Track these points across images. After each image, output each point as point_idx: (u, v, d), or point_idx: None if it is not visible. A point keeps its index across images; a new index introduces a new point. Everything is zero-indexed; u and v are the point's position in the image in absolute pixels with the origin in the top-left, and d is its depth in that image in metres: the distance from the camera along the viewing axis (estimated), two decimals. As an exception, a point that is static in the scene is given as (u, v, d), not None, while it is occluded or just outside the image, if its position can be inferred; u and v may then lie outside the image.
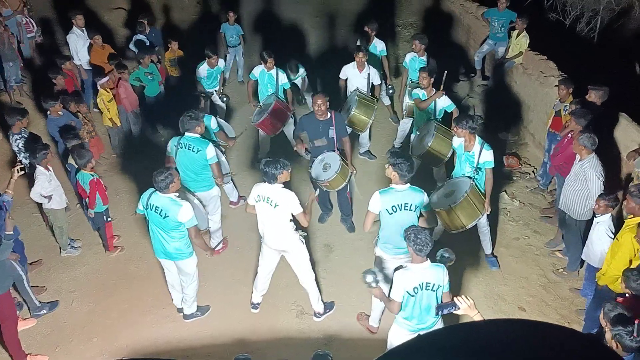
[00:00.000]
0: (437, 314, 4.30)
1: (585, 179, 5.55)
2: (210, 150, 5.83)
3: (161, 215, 5.04)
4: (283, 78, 7.64)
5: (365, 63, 7.64)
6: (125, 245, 6.70)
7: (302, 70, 8.41)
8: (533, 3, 9.96)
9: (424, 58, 7.97)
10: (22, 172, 5.68)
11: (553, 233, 6.57)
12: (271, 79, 7.58)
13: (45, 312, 5.79)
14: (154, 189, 5.09)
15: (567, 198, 5.79)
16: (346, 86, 7.80)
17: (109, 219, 6.54)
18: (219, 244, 6.45)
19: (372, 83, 7.80)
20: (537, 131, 8.01)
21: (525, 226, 6.87)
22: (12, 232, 4.97)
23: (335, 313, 5.72)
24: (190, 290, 5.55)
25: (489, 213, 5.90)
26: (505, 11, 8.98)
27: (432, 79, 6.82)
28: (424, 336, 1.00)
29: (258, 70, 7.64)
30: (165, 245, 5.21)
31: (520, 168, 7.83)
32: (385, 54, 8.58)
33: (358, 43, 8.20)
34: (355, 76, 7.66)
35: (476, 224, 5.77)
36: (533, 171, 7.74)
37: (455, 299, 3.87)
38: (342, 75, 7.81)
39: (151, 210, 5.10)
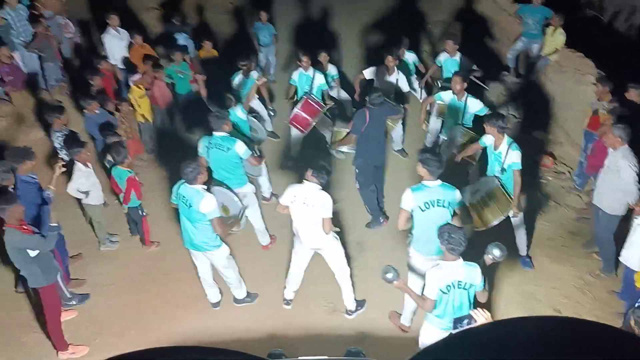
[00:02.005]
0: (454, 327, 4.29)
1: (618, 169, 5.44)
2: (240, 147, 5.93)
3: (187, 205, 5.19)
4: (320, 79, 7.69)
5: (395, 68, 7.65)
6: (161, 241, 6.85)
7: (334, 71, 8.45)
8: (569, -1, 9.80)
9: (457, 58, 7.93)
10: (64, 169, 5.87)
11: (590, 234, 6.46)
12: (308, 80, 7.64)
13: (74, 303, 5.94)
14: (183, 180, 5.21)
15: (600, 192, 5.70)
16: (366, 83, 7.81)
17: (144, 214, 6.71)
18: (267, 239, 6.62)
19: (399, 88, 7.82)
20: (572, 130, 7.87)
21: (560, 227, 6.77)
22: (56, 224, 5.14)
23: (367, 311, 5.75)
24: (230, 275, 5.67)
25: (516, 214, 5.82)
26: (540, 7, 8.83)
27: (466, 84, 6.80)
28: (462, 332, 1.00)
29: (296, 74, 7.71)
30: (192, 237, 5.34)
31: (555, 167, 7.72)
32: (418, 62, 8.61)
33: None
34: (383, 79, 7.68)
35: (512, 224, 5.75)
36: (569, 171, 7.62)
37: (472, 312, 3.88)
38: (367, 74, 7.81)
39: (180, 200, 5.25)
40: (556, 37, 8.44)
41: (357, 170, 6.67)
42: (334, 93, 8.47)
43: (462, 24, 11.15)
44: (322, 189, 5.22)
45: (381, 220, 6.87)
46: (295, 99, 7.84)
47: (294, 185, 5.35)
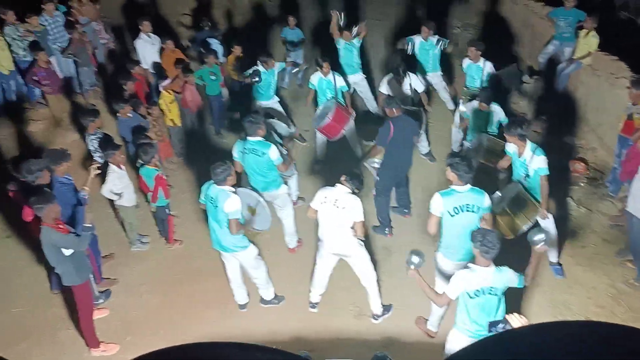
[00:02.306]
0: (489, 331, 4.24)
1: None
2: (274, 152, 5.99)
3: (214, 206, 5.27)
4: (340, 81, 7.74)
5: (407, 73, 7.67)
6: (191, 242, 6.96)
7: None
8: (603, 1, 9.59)
9: (480, 64, 7.87)
10: (99, 171, 6.02)
11: (623, 242, 6.31)
12: (329, 84, 7.68)
13: (102, 301, 6.08)
14: (212, 181, 5.29)
15: (635, 198, 5.57)
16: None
17: (170, 213, 6.83)
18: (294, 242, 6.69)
19: (415, 90, 7.81)
20: (606, 135, 7.71)
21: (593, 234, 6.63)
22: (90, 225, 5.28)
23: (394, 316, 5.74)
24: (259, 275, 5.74)
25: (545, 218, 5.72)
26: (573, 10, 8.69)
27: (491, 102, 6.88)
28: (499, 335, 0.99)
29: (315, 78, 7.76)
30: (220, 238, 5.42)
31: (587, 173, 7.57)
32: (446, 45, 8.64)
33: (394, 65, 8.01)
34: (396, 91, 7.72)
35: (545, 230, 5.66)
36: (601, 177, 7.47)
37: (507, 316, 3.82)
38: (383, 89, 7.81)
39: (208, 201, 5.33)
40: (589, 40, 8.28)
41: (377, 178, 6.66)
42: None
43: (492, 27, 11.04)
44: (353, 193, 5.23)
45: (386, 232, 6.83)
46: (315, 103, 7.89)
47: (325, 187, 5.38)
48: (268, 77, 8.06)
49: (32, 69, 8.00)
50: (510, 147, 5.84)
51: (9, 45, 8.37)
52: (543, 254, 4.42)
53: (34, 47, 8.10)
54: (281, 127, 7.40)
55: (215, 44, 9.50)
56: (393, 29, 11.42)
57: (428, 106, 7.74)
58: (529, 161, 5.60)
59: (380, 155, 6.58)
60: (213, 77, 8.61)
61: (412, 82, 7.71)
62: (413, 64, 8.37)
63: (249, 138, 6.05)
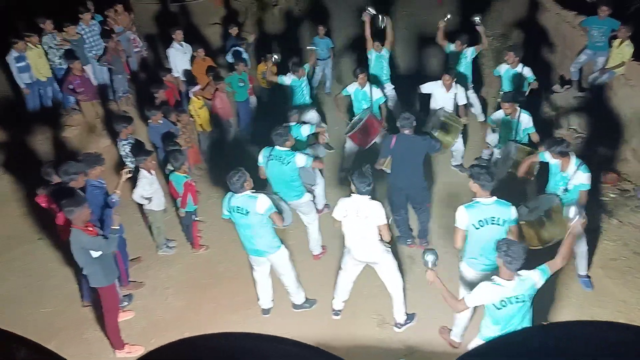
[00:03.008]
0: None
1: None
2: (300, 158, 6.03)
3: (244, 214, 5.30)
4: (377, 93, 7.75)
5: (453, 83, 7.59)
6: (216, 247, 7.04)
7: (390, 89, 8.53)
8: (637, 10, 9.39)
9: (519, 69, 7.80)
10: (130, 175, 6.16)
11: (655, 255, 6.16)
12: (365, 96, 7.72)
13: (126, 304, 6.18)
14: (232, 193, 5.34)
15: None
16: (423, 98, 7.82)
17: (197, 219, 6.93)
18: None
19: (457, 103, 7.75)
20: (638, 146, 7.54)
21: (625, 246, 6.47)
22: (118, 227, 5.39)
23: (417, 325, 5.69)
24: (290, 281, 5.77)
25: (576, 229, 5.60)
26: (607, 19, 8.53)
27: (518, 105, 6.74)
28: (509, 336, 0.99)
29: (352, 88, 7.81)
30: (254, 243, 5.46)
31: (619, 185, 7.40)
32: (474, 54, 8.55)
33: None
34: (441, 95, 7.64)
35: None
36: (634, 188, 7.28)
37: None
38: (424, 89, 7.79)
39: (234, 212, 5.36)
40: (623, 49, 8.12)
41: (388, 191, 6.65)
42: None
43: (523, 36, 10.92)
44: (372, 199, 5.21)
45: (408, 242, 6.77)
46: (349, 112, 7.93)
47: (343, 199, 5.36)
48: (299, 83, 8.14)
49: (67, 77, 8.25)
50: (551, 160, 5.74)
51: (47, 54, 8.66)
52: (577, 231, 4.31)
53: (69, 56, 8.35)
54: (318, 146, 7.39)
55: (244, 52, 9.64)
56: (421, 38, 11.40)
57: (464, 118, 7.69)
58: (572, 176, 5.51)
59: (380, 166, 6.57)
60: (241, 84, 8.74)
61: (458, 93, 7.68)
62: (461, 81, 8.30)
63: (276, 147, 6.11)
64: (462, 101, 7.78)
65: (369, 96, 7.69)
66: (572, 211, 4.25)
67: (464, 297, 4.24)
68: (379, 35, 8.76)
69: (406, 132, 6.24)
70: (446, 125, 7.19)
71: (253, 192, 5.35)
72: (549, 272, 4.17)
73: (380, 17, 8.36)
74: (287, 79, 8.15)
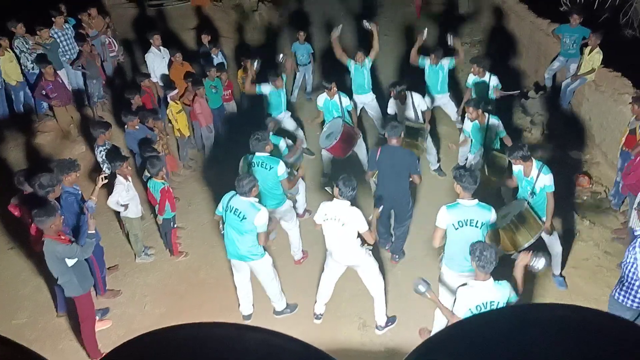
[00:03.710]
0: None
1: None
2: (282, 168, 6.04)
3: (239, 217, 5.29)
4: (346, 101, 7.81)
5: (407, 93, 7.70)
6: (196, 254, 6.97)
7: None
8: (608, 19, 9.66)
9: (486, 78, 7.97)
10: (106, 181, 6.07)
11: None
12: (335, 106, 7.76)
13: (98, 317, 5.93)
14: (235, 192, 5.33)
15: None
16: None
17: (175, 226, 6.89)
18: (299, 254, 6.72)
19: (420, 110, 7.87)
20: (609, 150, 7.74)
21: (596, 247, 6.64)
22: (94, 232, 5.31)
23: (397, 327, 5.73)
24: (273, 288, 5.75)
25: (550, 234, 5.76)
26: (578, 27, 8.77)
27: (480, 109, 6.85)
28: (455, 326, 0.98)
29: (322, 100, 7.83)
30: (238, 247, 5.44)
31: (591, 187, 7.59)
32: (453, 67, 8.66)
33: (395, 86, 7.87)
34: (398, 108, 7.79)
35: (546, 244, 5.68)
36: (605, 191, 7.48)
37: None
38: (390, 111, 7.93)
39: (230, 212, 5.34)
40: (593, 57, 8.35)
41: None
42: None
43: (498, 43, 11.14)
44: (352, 205, 5.25)
45: (386, 248, 6.80)
46: (322, 121, 7.96)
47: (325, 203, 5.40)
48: (278, 93, 8.14)
49: (40, 82, 8.08)
50: (516, 167, 5.88)
51: (18, 58, 8.49)
52: (524, 267, 4.41)
53: (41, 60, 8.14)
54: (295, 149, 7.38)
55: (221, 58, 9.59)
56: (402, 44, 11.54)
57: (428, 124, 7.79)
58: (536, 179, 5.64)
59: (369, 177, 6.65)
60: (214, 91, 8.69)
61: (415, 101, 7.77)
62: (420, 86, 8.39)
63: (256, 154, 6.10)
64: (423, 107, 7.88)
65: (339, 105, 7.74)
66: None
67: (454, 311, 4.30)
68: (364, 44, 8.83)
69: (393, 141, 6.19)
70: (411, 131, 7.28)
71: (258, 203, 5.34)
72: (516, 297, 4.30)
73: (365, 21, 8.45)
74: (265, 89, 8.12)
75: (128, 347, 0.86)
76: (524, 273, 4.39)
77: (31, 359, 0.89)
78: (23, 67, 8.57)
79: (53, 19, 8.81)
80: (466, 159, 7.69)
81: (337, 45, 8.48)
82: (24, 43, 8.50)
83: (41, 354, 0.87)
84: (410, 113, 7.78)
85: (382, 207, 5.85)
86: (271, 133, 6.71)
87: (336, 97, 7.72)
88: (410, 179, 6.27)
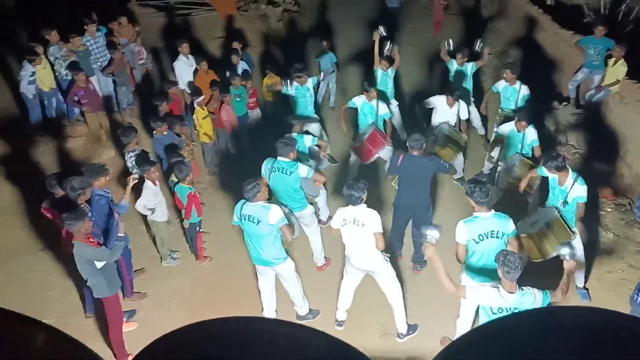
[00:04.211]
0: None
1: None
2: (303, 169, 6.13)
3: (254, 222, 5.38)
4: (383, 108, 7.88)
5: (456, 101, 7.77)
6: (220, 259, 7.09)
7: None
8: (633, 31, 9.62)
9: (516, 87, 7.98)
10: (136, 181, 6.23)
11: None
12: (372, 110, 7.84)
13: (125, 319, 6.04)
14: (244, 200, 5.44)
15: None
16: (425, 112, 7.96)
17: (201, 230, 7.01)
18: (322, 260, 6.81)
19: (459, 117, 7.91)
20: (634, 162, 7.71)
21: (620, 259, 6.60)
22: (123, 235, 5.45)
23: (419, 336, 5.77)
24: (295, 292, 5.84)
25: (573, 240, 5.73)
26: (603, 39, 8.74)
27: (530, 121, 6.95)
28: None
29: (360, 100, 7.92)
30: (261, 253, 5.54)
31: (615, 199, 7.54)
32: (475, 69, 8.70)
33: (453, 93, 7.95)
34: (445, 110, 7.81)
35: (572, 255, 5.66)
36: (629, 203, 7.43)
37: None
38: (430, 104, 7.95)
39: (245, 219, 5.44)
40: (617, 68, 8.32)
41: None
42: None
43: (522, 54, 11.13)
44: (369, 207, 5.32)
45: (397, 254, 6.80)
46: (354, 127, 8.07)
47: (342, 208, 5.46)
48: (303, 92, 8.24)
49: (72, 88, 8.33)
50: (548, 174, 5.89)
51: (52, 65, 8.75)
52: (572, 268, 4.41)
53: (73, 67, 8.40)
54: (319, 156, 7.50)
55: (245, 66, 9.74)
56: (426, 55, 11.59)
57: (465, 134, 7.86)
58: (570, 189, 5.65)
59: (391, 181, 6.72)
60: (238, 99, 8.84)
61: (460, 108, 7.83)
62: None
63: (279, 158, 6.21)
64: (464, 116, 7.93)
65: (375, 110, 7.82)
66: (564, 251, 4.37)
67: (464, 285, 4.31)
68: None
69: (415, 153, 6.26)
70: (450, 140, 7.32)
71: (266, 203, 5.43)
72: (550, 299, 4.27)
73: (388, 43, 8.54)
74: (290, 89, 8.24)
75: (166, 340, 0.91)
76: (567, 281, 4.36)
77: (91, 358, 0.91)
78: (57, 74, 8.82)
79: (85, 27, 9.03)
80: (492, 168, 7.72)
81: (377, 46, 8.56)
82: (59, 50, 8.76)
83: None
84: (453, 119, 7.81)
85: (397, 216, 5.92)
86: (297, 134, 6.84)
87: (374, 101, 7.82)
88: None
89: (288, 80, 8.20)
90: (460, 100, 7.81)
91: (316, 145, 7.14)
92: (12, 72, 9.31)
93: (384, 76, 8.57)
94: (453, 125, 7.70)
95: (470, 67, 8.54)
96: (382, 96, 8.50)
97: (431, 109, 8.12)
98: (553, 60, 10.48)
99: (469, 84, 8.64)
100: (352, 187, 5.26)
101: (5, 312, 0.85)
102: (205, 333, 0.93)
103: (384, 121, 7.95)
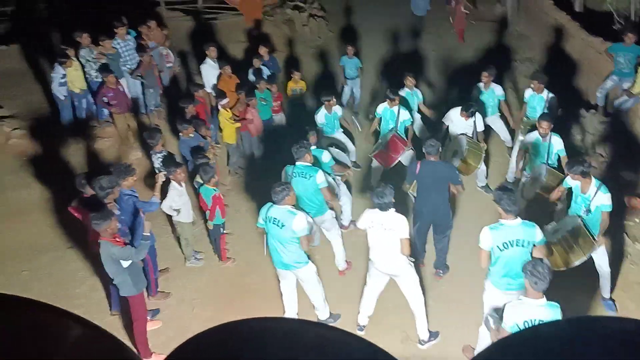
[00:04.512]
0: None
1: None
2: (320, 176, 6.19)
3: (279, 226, 5.42)
4: (404, 115, 7.90)
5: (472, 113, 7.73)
6: (243, 260, 7.16)
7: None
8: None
9: (544, 95, 7.90)
10: (165, 178, 6.35)
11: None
12: (393, 115, 7.87)
13: (149, 317, 6.12)
14: (272, 203, 5.48)
15: None
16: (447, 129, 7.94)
17: (225, 232, 7.09)
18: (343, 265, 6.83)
19: (476, 129, 7.87)
20: (664, 171, 7.55)
21: (648, 271, 6.48)
22: (149, 234, 5.53)
23: (440, 342, 5.74)
24: (316, 296, 5.87)
25: (596, 249, 5.64)
26: (633, 46, 8.61)
27: (552, 125, 6.80)
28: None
29: (381, 108, 7.98)
30: (283, 256, 5.58)
31: (643, 209, 7.40)
32: (504, 98, 8.60)
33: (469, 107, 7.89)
34: (461, 122, 7.79)
35: (595, 265, 5.59)
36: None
37: None
38: (446, 120, 7.95)
39: (270, 222, 5.49)
40: (648, 76, 8.19)
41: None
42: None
43: (549, 61, 11.01)
44: (397, 212, 5.32)
45: (420, 261, 6.73)
46: (378, 130, 8.08)
47: (370, 210, 5.48)
48: (331, 119, 8.31)
49: (102, 90, 8.51)
50: (571, 182, 5.82)
51: (83, 67, 8.96)
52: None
53: (104, 69, 8.61)
54: (342, 157, 7.56)
55: (269, 70, 9.82)
56: (451, 60, 11.55)
57: (484, 142, 7.82)
58: (593, 197, 5.58)
59: (406, 189, 6.72)
60: (263, 103, 8.92)
61: (477, 121, 7.81)
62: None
63: (297, 163, 6.26)
64: (480, 127, 7.90)
65: (396, 116, 7.84)
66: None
67: (501, 326, 4.29)
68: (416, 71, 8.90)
69: (432, 158, 6.32)
70: (469, 152, 7.30)
71: (293, 208, 5.47)
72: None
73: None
74: (320, 118, 8.25)
75: (195, 341, 0.89)
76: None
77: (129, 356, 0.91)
78: (87, 76, 9.03)
79: (115, 30, 9.24)
80: (515, 178, 7.66)
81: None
82: (90, 53, 8.96)
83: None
84: (470, 131, 7.80)
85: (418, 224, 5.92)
86: (314, 147, 6.82)
87: (395, 108, 7.85)
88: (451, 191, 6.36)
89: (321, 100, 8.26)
90: (476, 113, 7.78)
91: (334, 167, 7.04)
92: (45, 73, 9.53)
93: (409, 94, 8.50)
94: (470, 136, 7.68)
95: (498, 92, 8.48)
96: (404, 103, 8.53)
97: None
98: (581, 67, 10.35)
99: (495, 104, 8.56)
100: (379, 194, 5.27)
101: (40, 304, 0.86)
102: (241, 333, 0.91)
103: (406, 127, 7.95)
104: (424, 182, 6.36)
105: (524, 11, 12.92)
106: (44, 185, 8.11)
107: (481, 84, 8.51)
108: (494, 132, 8.83)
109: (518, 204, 4.92)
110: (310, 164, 6.30)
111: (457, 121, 7.81)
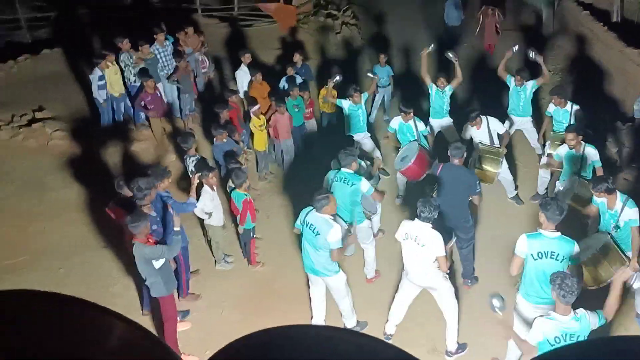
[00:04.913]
0: None
1: None
2: (365, 184, 6.20)
3: (313, 233, 5.47)
4: (421, 126, 7.92)
5: (482, 117, 7.72)
6: (272, 265, 7.24)
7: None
8: None
9: (568, 108, 7.79)
10: (198, 180, 6.51)
11: None
12: (410, 129, 7.88)
13: (179, 318, 6.21)
14: (312, 208, 5.55)
15: None
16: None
17: (255, 236, 7.18)
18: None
19: (497, 133, 7.82)
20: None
21: (685, 288, 6.31)
22: (179, 229, 5.65)
23: (468, 355, 5.71)
24: (345, 305, 5.90)
25: (635, 271, 5.54)
26: (673, 59, 8.44)
27: (581, 136, 6.70)
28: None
29: (396, 123, 8.00)
30: (313, 262, 5.63)
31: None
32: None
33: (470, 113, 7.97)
34: (476, 133, 7.80)
35: (630, 281, 5.49)
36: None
37: None
38: (464, 135, 7.97)
39: (306, 226, 5.55)
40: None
41: None
42: None
43: (582, 71, 10.85)
44: (434, 228, 5.30)
45: (468, 282, 6.77)
46: (398, 144, 8.10)
47: (406, 221, 5.49)
48: (356, 110, 8.36)
49: (140, 94, 8.74)
50: (598, 199, 5.77)
51: (122, 71, 9.21)
52: (622, 279, 4.28)
53: (143, 74, 8.84)
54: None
55: (301, 77, 9.92)
56: (482, 70, 11.47)
57: (504, 148, 7.75)
58: (620, 213, 5.51)
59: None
60: (296, 110, 9.01)
61: (491, 125, 7.75)
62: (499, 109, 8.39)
63: (342, 169, 6.31)
64: (500, 130, 7.84)
65: (414, 129, 7.85)
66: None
67: (527, 338, 4.26)
68: (446, 70, 8.89)
69: (455, 162, 6.34)
70: (484, 159, 7.27)
71: (332, 219, 5.50)
72: (605, 319, 4.18)
73: (448, 52, 8.57)
74: (345, 103, 8.39)
75: (236, 346, 0.90)
76: (618, 294, 4.24)
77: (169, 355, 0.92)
78: (126, 80, 9.28)
79: (155, 36, 9.47)
80: (547, 187, 7.57)
81: (424, 62, 8.62)
82: (129, 57, 9.21)
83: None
84: (485, 138, 7.76)
85: (455, 239, 5.89)
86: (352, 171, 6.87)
87: (411, 121, 7.85)
88: (470, 199, 6.35)
89: (348, 92, 8.36)
90: (488, 117, 7.72)
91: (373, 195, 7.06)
92: (85, 77, 9.82)
93: (439, 93, 8.52)
94: (487, 143, 7.64)
95: (530, 85, 8.37)
96: (437, 113, 8.54)
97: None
98: (618, 79, 10.17)
99: (527, 103, 8.47)
100: (425, 204, 5.25)
101: (84, 302, 0.86)
102: (281, 338, 0.92)
103: (425, 137, 7.96)
104: (443, 184, 6.37)
105: (559, 22, 12.76)
106: (83, 185, 8.34)
107: (512, 80, 8.43)
108: (522, 137, 8.74)
109: (564, 214, 4.86)
110: (354, 172, 6.29)
111: (473, 132, 7.81)
